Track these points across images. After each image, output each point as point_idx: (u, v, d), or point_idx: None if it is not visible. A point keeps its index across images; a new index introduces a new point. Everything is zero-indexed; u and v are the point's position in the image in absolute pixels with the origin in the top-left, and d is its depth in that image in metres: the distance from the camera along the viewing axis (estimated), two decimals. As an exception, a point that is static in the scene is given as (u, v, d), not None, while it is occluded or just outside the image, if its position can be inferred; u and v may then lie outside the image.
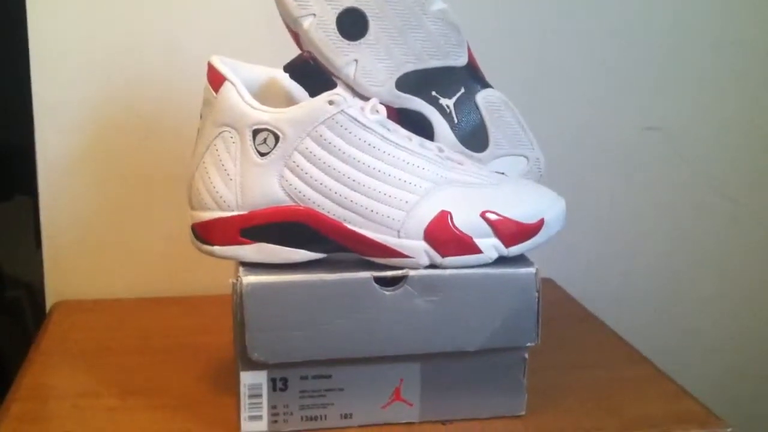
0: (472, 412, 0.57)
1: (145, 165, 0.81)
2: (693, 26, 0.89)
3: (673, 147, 0.91)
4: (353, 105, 0.54)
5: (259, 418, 0.55)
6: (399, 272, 0.54)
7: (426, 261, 0.54)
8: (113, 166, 0.80)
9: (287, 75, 0.58)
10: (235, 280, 0.53)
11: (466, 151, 0.61)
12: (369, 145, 0.54)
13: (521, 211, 0.55)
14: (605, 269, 0.92)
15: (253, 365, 0.54)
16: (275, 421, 0.55)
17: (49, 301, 0.82)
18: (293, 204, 0.54)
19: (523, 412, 0.58)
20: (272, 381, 0.55)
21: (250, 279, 0.53)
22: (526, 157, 0.63)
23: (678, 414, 0.60)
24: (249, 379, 0.55)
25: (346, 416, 0.56)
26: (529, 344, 0.56)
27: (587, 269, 0.90)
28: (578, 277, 0.86)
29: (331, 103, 0.53)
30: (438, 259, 0.54)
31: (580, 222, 0.85)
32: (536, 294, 0.55)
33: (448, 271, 0.54)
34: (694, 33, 0.89)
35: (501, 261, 0.55)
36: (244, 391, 0.55)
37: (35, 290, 0.82)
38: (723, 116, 0.92)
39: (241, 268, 0.54)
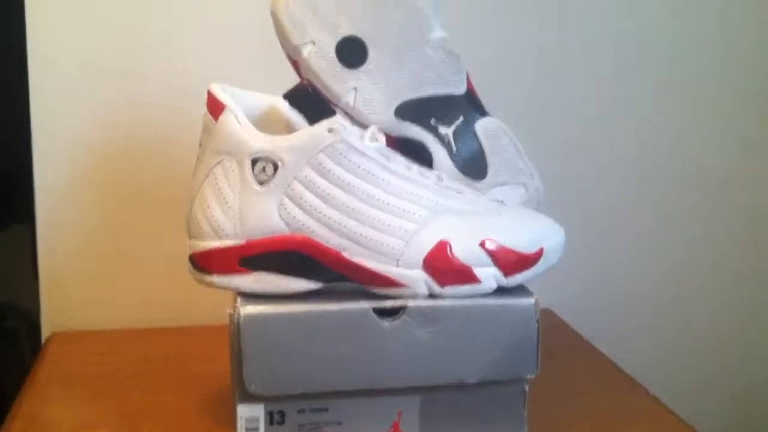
0: (472, 444, 0.57)
1: (144, 194, 0.80)
2: (695, 39, 0.89)
3: (671, 174, 0.91)
4: (353, 133, 0.54)
5: (256, 450, 0.54)
6: (398, 302, 0.53)
7: (425, 291, 0.54)
8: (111, 195, 0.80)
9: (287, 103, 0.58)
10: (232, 311, 0.53)
11: (465, 179, 0.61)
12: (368, 173, 0.53)
13: (521, 240, 0.54)
14: (604, 298, 0.91)
15: (251, 398, 0.53)
16: (272, 454, 0.55)
17: (46, 330, 0.81)
18: (292, 233, 0.53)
19: (523, 445, 0.57)
20: (269, 414, 0.54)
21: (247, 309, 0.52)
22: (525, 185, 0.63)
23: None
24: (246, 412, 0.54)
25: (344, 449, 0.55)
26: (529, 376, 0.56)
27: (585, 298, 0.90)
28: (577, 305, 0.86)
29: (330, 131, 0.53)
30: (437, 288, 0.53)
31: (579, 251, 0.85)
32: (536, 325, 0.55)
33: (447, 301, 0.54)
34: (695, 45, 0.89)
35: (500, 291, 0.54)
36: (241, 424, 0.54)
37: (32, 319, 0.81)
38: (722, 129, 0.91)
39: (238, 298, 0.54)
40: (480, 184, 0.61)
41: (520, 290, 0.55)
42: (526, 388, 0.56)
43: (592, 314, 0.87)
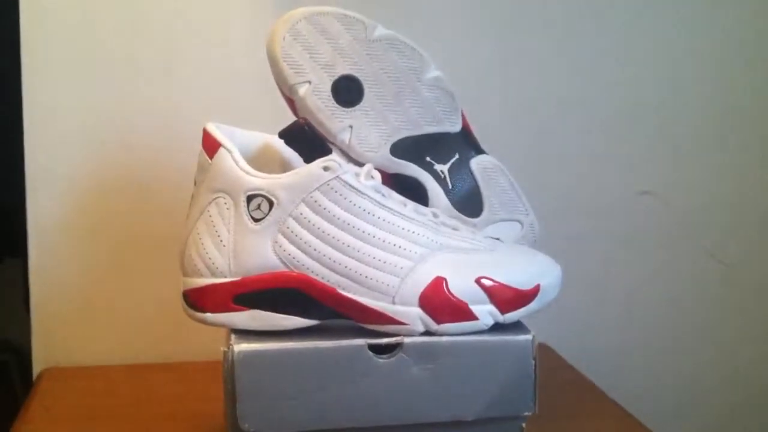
0: (468, 483, 0.56)
1: (138, 230, 0.80)
2: (689, 92, 0.90)
3: (666, 212, 0.91)
4: (348, 171, 0.54)
5: (250, 490, 0.54)
6: (394, 339, 0.53)
7: (421, 328, 0.53)
8: (105, 231, 0.80)
9: (282, 141, 0.58)
10: (226, 348, 0.52)
11: (461, 216, 0.61)
12: (364, 210, 0.53)
13: (517, 277, 0.54)
14: (601, 334, 0.91)
15: (244, 436, 0.53)
16: (266, 494, 0.54)
17: (37, 366, 0.80)
18: (287, 270, 0.53)
19: (521, 484, 0.57)
20: (264, 452, 0.54)
21: (242, 347, 0.52)
22: (520, 222, 0.63)
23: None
24: (240, 450, 0.53)
25: (339, 488, 0.55)
26: (526, 413, 0.55)
27: (582, 334, 0.89)
28: (573, 341, 0.85)
29: (326, 168, 0.53)
30: (433, 325, 0.53)
31: (575, 286, 0.85)
32: (533, 362, 0.54)
33: (443, 338, 0.53)
34: (689, 98, 0.90)
35: (497, 328, 0.54)
36: (234, 462, 0.53)
37: (24, 355, 0.80)
38: (716, 180, 0.92)
39: (232, 336, 0.53)
40: (476, 221, 0.62)
41: (516, 327, 0.55)
42: (524, 425, 0.56)
43: (590, 351, 0.86)
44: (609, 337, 0.91)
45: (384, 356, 0.53)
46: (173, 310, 0.60)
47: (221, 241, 0.54)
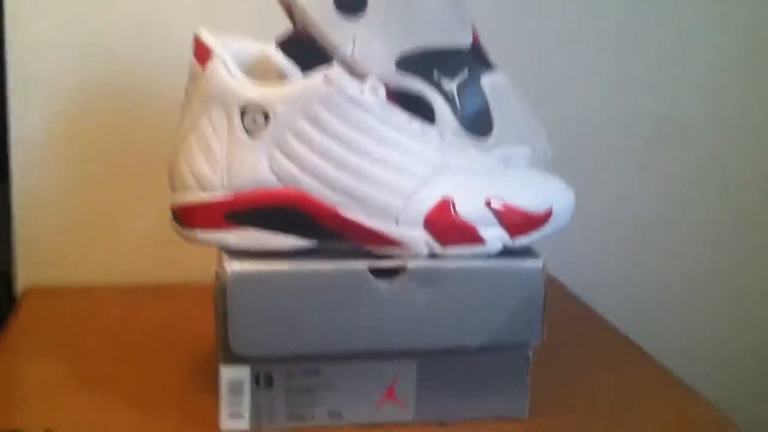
0: (470, 413, 0.54)
1: (125, 147, 0.78)
2: (705, 15, 0.88)
3: (680, 140, 0.89)
4: (351, 83, 0.51)
5: (241, 415, 0.52)
6: (396, 263, 0.51)
7: (425, 251, 0.51)
8: (91, 148, 0.78)
9: (280, 51, 0.54)
10: (218, 269, 0.50)
11: (469, 136, 0.58)
12: (367, 126, 0.50)
13: (528, 200, 0.52)
14: (608, 265, 0.90)
15: (235, 359, 0.51)
16: (258, 419, 0.52)
17: (21, 287, 0.78)
18: (283, 187, 0.51)
19: (525, 414, 0.55)
20: (255, 376, 0.52)
21: (234, 267, 0.50)
22: (531, 145, 0.60)
23: (690, 418, 0.57)
24: (230, 373, 0.51)
25: (334, 415, 0.53)
26: (533, 341, 0.53)
27: (589, 265, 0.88)
28: (580, 272, 0.84)
29: (327, 81, 0.50)
30: (438, 248, 0.51)
31: (584, 215, 0.83)
32: (543, 288, 0.52)
33: (448, 262, 0.51)
34: (706, 21, 0.88)
35: (505, 252, 0.52)
36: (224, 386, 0.52)
37: (7, 276, 0.78)
38: (733, 109, 0.90)
39: (225, 256, 0.51)
40: (485, 142, 0.58)
41: (526, 252, 0.53)
42: (530, 354, 0.54)
43: (599, 284, 0.85)
44: (617, 268, 0.90)
45: (386, 280, 0.51)
46: (161, 229, 0.58)
47: (213, 155, 0.51)
